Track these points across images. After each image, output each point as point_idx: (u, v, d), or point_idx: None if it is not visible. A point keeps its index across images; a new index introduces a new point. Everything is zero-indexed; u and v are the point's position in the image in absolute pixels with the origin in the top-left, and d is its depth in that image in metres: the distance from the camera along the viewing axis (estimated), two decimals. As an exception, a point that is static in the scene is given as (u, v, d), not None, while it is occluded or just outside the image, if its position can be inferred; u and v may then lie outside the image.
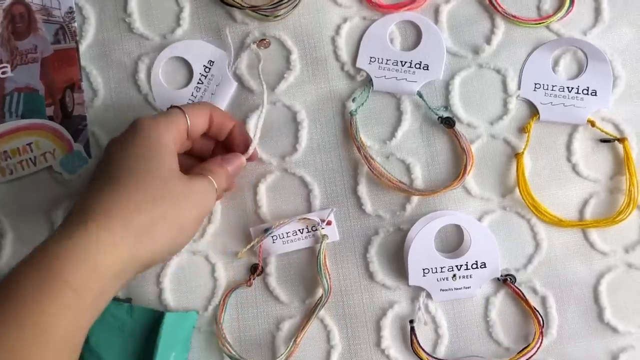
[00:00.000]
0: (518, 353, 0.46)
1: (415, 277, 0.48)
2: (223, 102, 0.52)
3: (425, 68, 0.50)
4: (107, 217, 0.39)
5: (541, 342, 0.46)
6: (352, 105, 0.51)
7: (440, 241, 0.49)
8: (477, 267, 0.48)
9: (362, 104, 0.51)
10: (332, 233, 0.50)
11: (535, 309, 0.47)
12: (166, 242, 0.41)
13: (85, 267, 0.37)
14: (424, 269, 0.48)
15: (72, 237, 0.38)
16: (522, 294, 0.47)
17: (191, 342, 0.50)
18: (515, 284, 0.48)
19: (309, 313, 0.49)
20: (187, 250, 0.51)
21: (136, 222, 0.39)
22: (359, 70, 0.51)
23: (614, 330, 0.47)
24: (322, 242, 0.49)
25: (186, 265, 0.51)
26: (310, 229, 0.50)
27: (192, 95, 0.52)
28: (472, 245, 0.48)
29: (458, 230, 0.49)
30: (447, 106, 0.50)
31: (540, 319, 0.47)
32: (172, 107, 0.46)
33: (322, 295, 0.48)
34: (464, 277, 0.48)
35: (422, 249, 0.48)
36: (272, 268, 0.50)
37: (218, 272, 0.50)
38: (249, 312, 0.50)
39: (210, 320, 0.50)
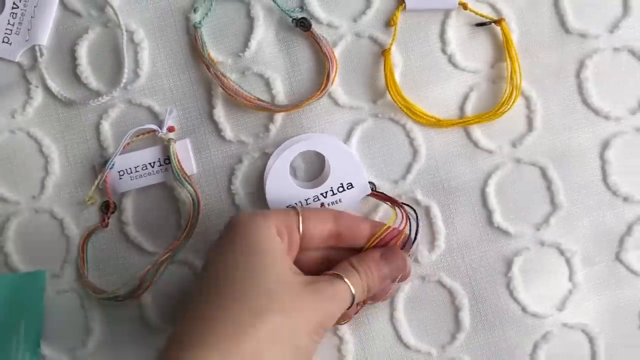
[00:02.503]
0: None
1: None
2: (46, 25, 0.44)
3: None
4: (203, 351, 0.32)
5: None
6: (195, 17, 0.44)
7: (302, 168, 0.44)
8: (344, 190, 0.43)
9: (207, 13, 0.44)
10: (187, 164, 0.44)
11: (401, 203, 0.42)
12: None
13: None
14: (287, 207, 0.43)
15: None
16: (385, 195, 0.42)
17: (44, 306, 0.44)
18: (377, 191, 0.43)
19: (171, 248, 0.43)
20: (28, 208, 0.45)
21: (241, 348, 0.32)
22: (197, -25, 0.44)
23: (506, 233, 0.43)
24: (171, 148, 0.43)
25: (31, 226, 0.45)
26: (162, 162, 0.44)
27: (8, 24, 0.44)
28: (332, 167, 0.43)
29: (316, 153, 0.44)
30: (302, 6, 0.44)
31: (406, 210, 0.41)
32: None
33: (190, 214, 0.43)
34: (333, 202, 0.43)
35: (281, 183, 0.43)
36: (128, 216, 0.44)
37: (68, 228, 0.44)
38: (111, 263, 0.45)
39: (69, 280, 0.45)
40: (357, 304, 0.38)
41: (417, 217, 0.41)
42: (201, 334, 0.33)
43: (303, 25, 0.43)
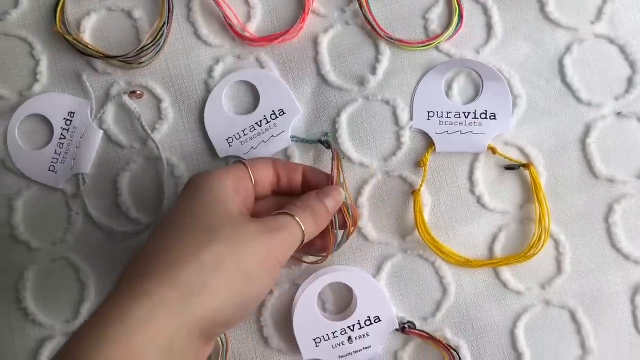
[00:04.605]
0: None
1: (308, 350, 0.43)
2: (90, 155, 0.46)
3: (281, 113, 0.46)
4: (141, 281, 0.32)
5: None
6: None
7: (330, 301, 0.45)
8: (371, 324, 0.43)
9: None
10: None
11: (448, 345, 0.42)
12: (228, 295, 0.33)
13: (115, 355, 0.30)
14: (315, 339, 0.43)
15: (100, 320, 0.31)
16: (427, 334, 0.43)
17: None
18: (417, 329, 0.43)
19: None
20: (62, 333, 0.46)
21: (181, 278, 0.32)
22: (237, 113, 0.46)
23: (536, 377, 0.43)
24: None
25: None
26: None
27: (55, 153, 0.47)
28: (359, 300, 0.43)
29: (345, 286, 0.44)
30: (327, 132, 0.46)
31: (453, 353, 0.42)
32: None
33: None
34: (360, 337, 0.43)
35: (308, 315, 0.43)
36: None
37: None
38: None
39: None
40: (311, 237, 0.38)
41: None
42: (142, 266, 0.33)
43: (327, 144, 0.45)
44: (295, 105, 0.46)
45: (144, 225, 0.46)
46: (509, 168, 0.44)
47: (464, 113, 0.45)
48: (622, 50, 0.45)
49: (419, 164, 0.45)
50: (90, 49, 0.46)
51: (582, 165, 0.44)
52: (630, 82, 0.45)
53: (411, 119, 0.45)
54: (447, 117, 0.45)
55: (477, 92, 0.45)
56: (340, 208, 0.41)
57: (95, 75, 0.47)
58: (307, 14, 0.46)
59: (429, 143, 0.45)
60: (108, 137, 0.47)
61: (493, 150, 0.44)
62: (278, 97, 0.46)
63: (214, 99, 0.46)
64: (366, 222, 0.45)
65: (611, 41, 0.45)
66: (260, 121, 0.46)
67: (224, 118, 0.46)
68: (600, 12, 0.46)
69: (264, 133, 0.46)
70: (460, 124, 0.45)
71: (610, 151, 0.44)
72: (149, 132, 0.46)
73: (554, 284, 0.44)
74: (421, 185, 0.44)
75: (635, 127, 0.45)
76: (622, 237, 0.43)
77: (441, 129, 0.45)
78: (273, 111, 0.46)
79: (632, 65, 0.45)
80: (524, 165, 0.44)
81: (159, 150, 0.46)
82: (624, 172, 0.44)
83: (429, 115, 0.45)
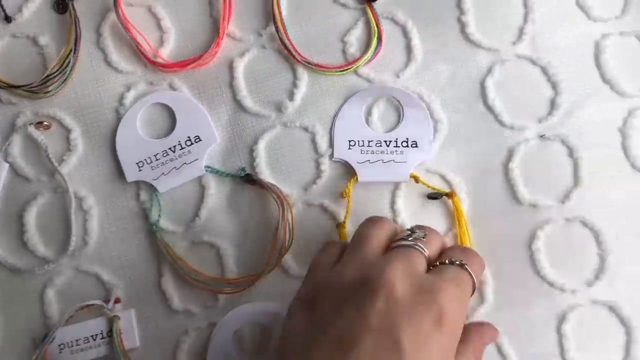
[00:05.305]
0: None
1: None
2: (-5, 191, 0.44)
3: (197, 139, 0.44)
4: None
5: None
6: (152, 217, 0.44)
7: (246, 338, 0.43)
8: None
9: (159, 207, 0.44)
10: (131, 337, 0.42)
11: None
12: None
13: None
14: None
15: None
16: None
17: None
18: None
19: None
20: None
21: None
22: (149, 143, 0.44)
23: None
24: (114, 325, 0.41)
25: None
26: (105, 335, 0.42)
27: (-43, 191, 0.44)
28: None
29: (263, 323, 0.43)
30: (243, 167, 0.44)
31: None
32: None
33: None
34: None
35: (223, 354, 0.41)
36: (69, 388, 0.43)
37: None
38: None
39: None
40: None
41: None
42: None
43: (250, 180, 0.43)
44: (213, 133, 0.44)
45: (51, 261, 0.43)
46: (432, 197, 0.43)
47: (385, 141, 0.43)
48: (544, 71, 0.44)
49: (340, 194, 0.43)
50: (-8, 78, 0.44)
51: (505, 190, 0.43)
52: (552, 104, 0.44)
53: (331, 147, 0.44)
54: (368, 145, 0.43)
55: (398, 118, 0.44)
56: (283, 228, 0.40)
57: (-1, 105, 0.45)
58: (222, 37, 0.44)
59: (351, 172, 0.44)
60: (14, 170, 0.44)
61: (415, 179, 0.43)
62: (195, 123, 0.44)
63: (128, 120, 0.44)
64: (287, 257, 0.43)
65: (533, 62, 0.45)
66: (174, 146, 0.44)
67: (136, 141, 0.44)
68: (521, 32, 0.45)
69: (177, 159, 0.44)
70: (382, 152, 0.43)
71: (534, 175, 0.43)
72: (56, 164, 0.44)
73: (476, 314, 0.42)
74: (346, 218, 0.43)
75: (559, 150, 0.44)
76: (545, 264, 0.42)
77: (362, 158, 0.43)
78: (189, 137, 0.44)
79: (554, 86, 0.44)
80: (447, 194, 0.43)
81: (66, 183, 0.44)
82: (547, 196, 0.43)
83: (349, 145, 0.44)
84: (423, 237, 0.36)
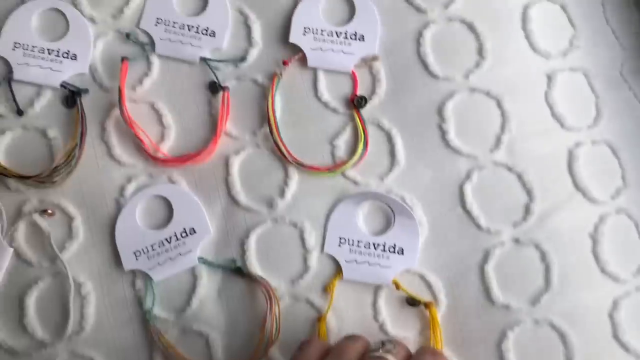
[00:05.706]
0: None
1: None
2: (-1, 274, 0.46)
3: (191, 232, 0.47)
4: None
5: None
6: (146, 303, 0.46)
7: None
8: None
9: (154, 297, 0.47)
10: None
11: None
12: None
13: None
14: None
15: None
16: None
17: None
18: None
19: None
20: None
21: None
22: (147, 234, 0.47)
23: None
24: None
25: None
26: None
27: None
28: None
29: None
30: (234, 259, 0.46)
31: None
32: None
33: None
34: None
35: None
36: None
37: None
38: None
39: None
40: None
41: None
42: None
43: (240, 272, 0.46)
44: (207, 225, 0.47)
45: (48, 344, 0.46)
46: (411, 304, 0.46)
47: (374, 244, 0.46)
48: (519, 177, 0.47)
49: (325, 288, 0.46)
50: (3, 168, 0.47)
51: (481, 291, 0.46)
52: (527, 209, 0.47)
53: (323, 242, 0.46)
54: (358, 246, 0.46)
55: (388, 224, 0.47)
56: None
57: (7, 193, 0.47)
58: (219, 136, 0.48)
59: (337, 268, 0.46)
60: (18, 254, 0.47)
61: (396, 286, 0.45)
62: (191, 215, 0.47)
63: (128, 210, 0.47)
64: (274, 349, 0.45)
65: (509, 169, 0.48)
66: (170, 237, 0.47)
67: (134, 231, 0.47)
68: (498, 141, 0.48)
69: (172, 250, 0.47)
70: (369, 254, 0.46)
71: (508, 277, 0.46)
72: (57, 251, 0.46)
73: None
74: (327, 312, 0.45)
75: (532, 255, 0.46)
76: (513, 362, 0.45)
77: (350, 257, 0.46)
78: (184, 229, 0.47)
79: (528, 192, 0.47)
80: (425, 304, 0.45)
81: (67, 269, 0.46)
82: (518, 298, 0.46)
83: (340, 241, 0.46)
84: (393, 349, 0.39)
